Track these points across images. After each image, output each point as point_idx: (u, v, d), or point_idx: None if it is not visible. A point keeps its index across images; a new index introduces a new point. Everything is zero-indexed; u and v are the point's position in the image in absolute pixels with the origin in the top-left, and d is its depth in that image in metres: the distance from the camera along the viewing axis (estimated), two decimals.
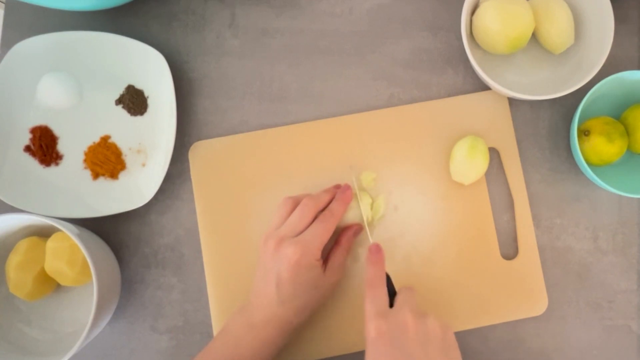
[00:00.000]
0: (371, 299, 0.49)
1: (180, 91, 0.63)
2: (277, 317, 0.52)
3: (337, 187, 0.59)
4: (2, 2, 0.80)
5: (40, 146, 0.61)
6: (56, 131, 0.62)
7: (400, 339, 0.45)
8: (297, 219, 0.54)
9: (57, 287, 0.60)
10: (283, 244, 0.52)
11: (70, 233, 0.53)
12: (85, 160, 0.62)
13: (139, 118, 0.63)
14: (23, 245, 0.57)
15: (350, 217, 0.58)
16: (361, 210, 0.58)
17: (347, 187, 0.57)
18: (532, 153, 0.62)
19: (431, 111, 0.62)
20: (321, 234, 0.53)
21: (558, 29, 0.58)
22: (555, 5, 0.58)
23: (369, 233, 0.57)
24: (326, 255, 0.56)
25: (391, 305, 0.49)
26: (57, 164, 0.62)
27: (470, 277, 0.59)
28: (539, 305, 0.59)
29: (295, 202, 0.55)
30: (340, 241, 0.57)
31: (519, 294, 0.59)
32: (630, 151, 0.60)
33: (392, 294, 0.51)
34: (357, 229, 0.58)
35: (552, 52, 0.60)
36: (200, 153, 0.62)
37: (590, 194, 0.62)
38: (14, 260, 0.56)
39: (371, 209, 0.60)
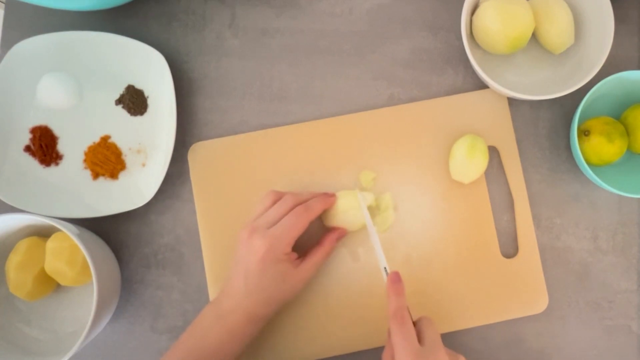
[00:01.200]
0: (401, 335, 0.47)
1: (180, 91, 0.63)
2: (243, 307, 0.52)
3: (327, 194, 0.58)
4: (2, 2, 0.80)
5: (40, 146, 0.61)
6: (56, 131, 0.62)
7: None
8: (275, 213, 0.54)
9: (57, 287, 0.60)
10: (254, 236, 0.52)
11: (70, 233, 0.53)
12: (85, 160, 0.62)
13: (139, 118, 0.63)
14: (23, 245, 0.57)
15: (354, 221, 0.58)
16: (366, 214, 0.57)
17: (333, 194, 0.58)
18: (532, 153, 0.62)
19: (430, 110, 0.62)
20: (292, 228, 0.53)
21: (558, 29, 0.58)
22: (555, 5, 0.58)
23: (378, 243, 0.57)
24: (303, 252, 0.56)
25: None
26: (57, 164, 0.62)
27: (470, 276, 0.59)
28: (539, 303, 0.59)
29: (278, 196, 0.56)
30: (322, 242, 0.57)
31: (520, 292, 0.59)
32: (630, 151, 0.60)
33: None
34: (341, 232, 0.58)
35: (552, 52, 0.60)
36: (199, 154, 0.62)
37: (590, 194, 0.62)
38: (14, 260, 0.56)
39: (379, 209, 0.60)
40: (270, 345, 0.59)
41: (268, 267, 0.52)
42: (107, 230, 0.62)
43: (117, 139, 0.63)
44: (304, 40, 0.64)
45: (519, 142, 0.62)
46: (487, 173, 0.61)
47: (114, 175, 0.62)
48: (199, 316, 0.54)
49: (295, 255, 0.55)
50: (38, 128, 0.62)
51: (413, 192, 0.61)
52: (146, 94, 0.63)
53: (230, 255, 0.60)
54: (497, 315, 0.59)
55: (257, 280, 0.52)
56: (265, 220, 0.54)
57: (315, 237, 0.58)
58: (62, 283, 0.57)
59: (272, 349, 0.58)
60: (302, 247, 0.56)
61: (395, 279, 0.51)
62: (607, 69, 0.58)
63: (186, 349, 0.52)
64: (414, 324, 0.50)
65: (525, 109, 0.63)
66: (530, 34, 0.57)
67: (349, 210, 0.57)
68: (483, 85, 0.63)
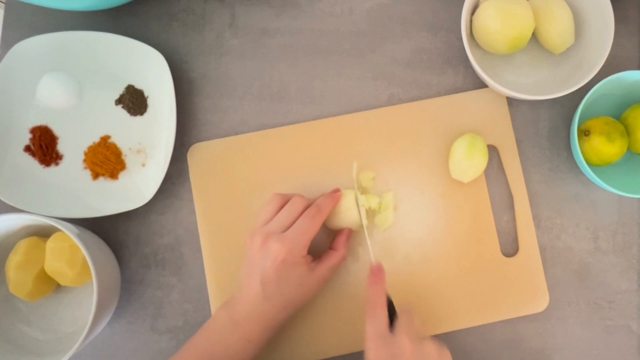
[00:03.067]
0: (371, 321, 0.49)
1: (180, 91, 0.63)
2: (260, 313, 0.52)
3: (332, 191, 0.58)
4: (2, 2, 0.80)
5: (40, 146, 0.61)
6: (56, 131, 0.62)
7: None
8: (285, 216, 0.54)
9: (57, 287, 0.60)
10: (269, 241, 0.52)
11: (70, 233, 0.53)
12: (85, 160, 0.62)
13: (138, 118, 0.63)
14: (23, 245, 0.57)
15: (354, 219, 0.58)
16: (360, 212, 0.58)
17: (337, 189, 0.58)
18: (532, 153, 0.62)
19: (429, 109, 0.62)
20: (307, 230, 0.53)
21: (558, 29, 0.58)
22: (555, 5, 0.58)
23: (367, 237, 0.57)
24: (319, 255, 0.56)
25: (392, 325, 0.50)
26: (57, 164, 0.62)
27: (471, 275, 0.59)
28: (540, 301, 0.59)
29: (284, 199, 0.56)
30: (336, 246, 0.57)
31: (521, 291, 0.59)
32: (630, 151, 0.60)
33: (393, 314, 0.51)
34: (348, 232, 0.58)
35: (552, 52, 0.60)
36: (198, 155, 0.62)
37: (590, 194, 0.62)
38: (14, 260, 0.56)
39: (379, 208, 0.60)
40: (270, 346, 0.58)
41: (287, 271, 0.52)
42: (107, 230, 0.62)
43: (117, 139, 0.63)
44: (304, 40, 0.64)
45: (519, 142, 0.62)
46: (487, 172, 0.61)
47: (113, 175, 0.62)
48: (212, 320, 0.53)
49: (310, 257, 0.55)
50: (38, 128, 0.62)
51: (413, 192, 0.61)
52: (146, 94, 0.63)
53: (230, 256, 0.60)
54: (497, 314, 0.59)
55: (275, 285, 0.52)
56: (278, 225, 0.53)
57: (318, 238, 0.58)
58: (62, 283, 0.57)
59: (272, 350, 0.58)
60: (309, 249, 0.56)
61: (377, 269, 0.53)
62: (607, 69, 0.58)
63: (200, 353, 0.52)
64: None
65: (525, 109, 0.63)
66: (530, 34, 0.57)
67: (350, 209, 0.57)
68: (483, 85, 0.63)
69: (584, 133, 0.57)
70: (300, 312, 0.59)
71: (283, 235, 0.52)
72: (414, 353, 0.47)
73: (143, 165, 0.62)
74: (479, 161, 0.58)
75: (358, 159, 0.61)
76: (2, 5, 0.74)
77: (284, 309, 0.53)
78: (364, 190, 0.61)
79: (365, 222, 0.57)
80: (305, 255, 0.53)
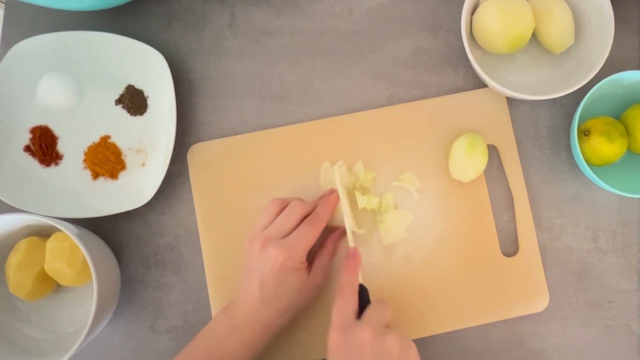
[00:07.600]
0: (338, 308, 0.49)
1: (180, 91, 0.63)
2: (259, 318, 0.52)
3: (329, 193, 0.58)
4: (2, 2, 0.80)
5: (40, 146, 0.61)
6: (56, 131, 0.62)
7: (356, 354, 0.46)
8: (284, 221, 0.54)
9: (57, 287, 0.60)
10: (269, 246, 0.52)
11: (70, 233, 0.53)
12: (85, 160, 0.62)
13: (138, 118, 0.63)
14: (23, 245, 0.57)
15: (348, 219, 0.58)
16: (345, 213, 0.57)
17: (332, 191, 0.58)
18: (532, 153, 0.62)
19: (429, 109, 0.62)
20: (307, 237, 0.53)
21: (558, 29, 0.58)
22: (555, 5, 0.58)
23: (350, 238, 0.56)
24: (311, 258, 0.56)
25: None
26: (57, 164, 0.62)
27: (471, 275, 0.59)
28: (540, 301, 0.59)
29: (283, 204, 0.56)
30: (326, 244, 0.57)
31: (521, 291, 0.59)
32: (630, 151, 0.60)
33: (367, 304, 0.50)
34: (343, 231, 0.58)
35: (552, 52, 0.60)
36: (198, 155, 0.62)
37: (590, 194, 0.62)
38: (14, 260, 0.56)
39: (379, 207, 0.60)
40: (269, 346, 0.58)
41: (285, 277, 0.52)
42: (107, 230, 0.62)
43: (117, 139, 0.63)
44: (304, 40, 0.64)
45: (519, 142, 0.62)
46: (487, 172, 0.61)
47: (113, 175, 0.62)
48: (211, 324, 0.53)
49: (306, 262, 0.55)
50: (38, 128, 0.62)
51: (413, 191, 0.61)
52: (146, 94, 0.63)
53: (230, 256, 0.60)
54: (497, 314, 0.59)
55: (273, 290, 0.52)
56: (277, 230, 0.53)
57: (318, 240, 0.58)
58: (62, 283, 0.57)
59: (272, 350, 0.58)
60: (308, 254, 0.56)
61: (352, 254, 0.53)
62: (607, 69, 0.58)
63: (199, 357, 0.52)
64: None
65: (525, 109, 0.63)
66: (530, 34, 0.57)
67: (344, 210, 0.57)
68: (483, 85, 0.63)
69: (584, 133, 0.57)
70: (300, 314, 0.59)
71: (282, 240, 0.52)
72: (373, 345, 0.46)
73: (143, 165, 0.62)
74: (479, 161, 0.58)
75: (358, 159, 0.61)
76: (2, 5, 0.74)
77: (283, 314, 0.53)
78: (364, 191, 0.61)
79: (349, 222, 0.57)
80: (304, 261, 0.53)
